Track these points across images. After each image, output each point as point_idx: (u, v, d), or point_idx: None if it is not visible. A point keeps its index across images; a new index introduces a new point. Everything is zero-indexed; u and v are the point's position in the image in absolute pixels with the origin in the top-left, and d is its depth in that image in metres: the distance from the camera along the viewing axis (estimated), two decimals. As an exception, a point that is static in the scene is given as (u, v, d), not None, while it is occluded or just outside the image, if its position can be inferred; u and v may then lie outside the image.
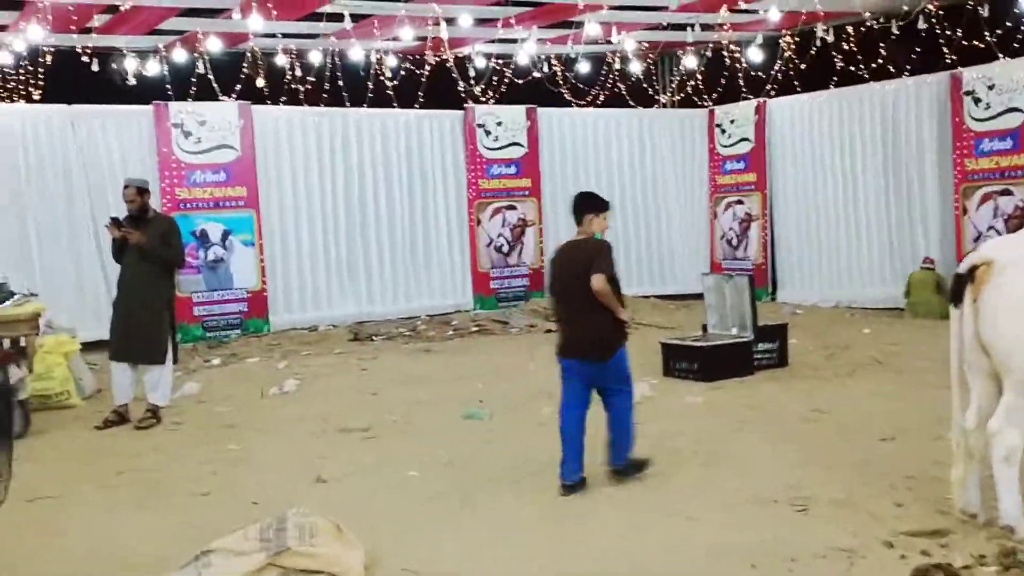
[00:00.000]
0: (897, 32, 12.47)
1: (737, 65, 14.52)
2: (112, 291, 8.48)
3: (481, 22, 12.99)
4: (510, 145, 14.72)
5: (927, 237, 13.06)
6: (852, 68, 13.30)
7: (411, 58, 14.06)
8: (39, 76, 12.35)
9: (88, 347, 9.84)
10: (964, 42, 12.18)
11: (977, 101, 12.34)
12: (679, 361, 9.22)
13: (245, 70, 13.10)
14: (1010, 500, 4.70)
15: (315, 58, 13.48)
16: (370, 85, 13.66)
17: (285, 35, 12.97)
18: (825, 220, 14.36)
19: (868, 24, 12.91)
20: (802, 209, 14.71)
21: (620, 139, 15.60)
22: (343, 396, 8.96)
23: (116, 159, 12.27)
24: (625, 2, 12.59)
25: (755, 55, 14.12)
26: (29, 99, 12.37)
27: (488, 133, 14.59)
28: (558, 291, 6.04)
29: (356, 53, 13.37)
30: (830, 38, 13.19)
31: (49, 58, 12.25)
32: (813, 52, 13.47)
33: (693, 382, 8.88)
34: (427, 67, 13.84)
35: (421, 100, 14.04)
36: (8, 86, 12.43)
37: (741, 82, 14.67)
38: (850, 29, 13.17)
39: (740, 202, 15.46)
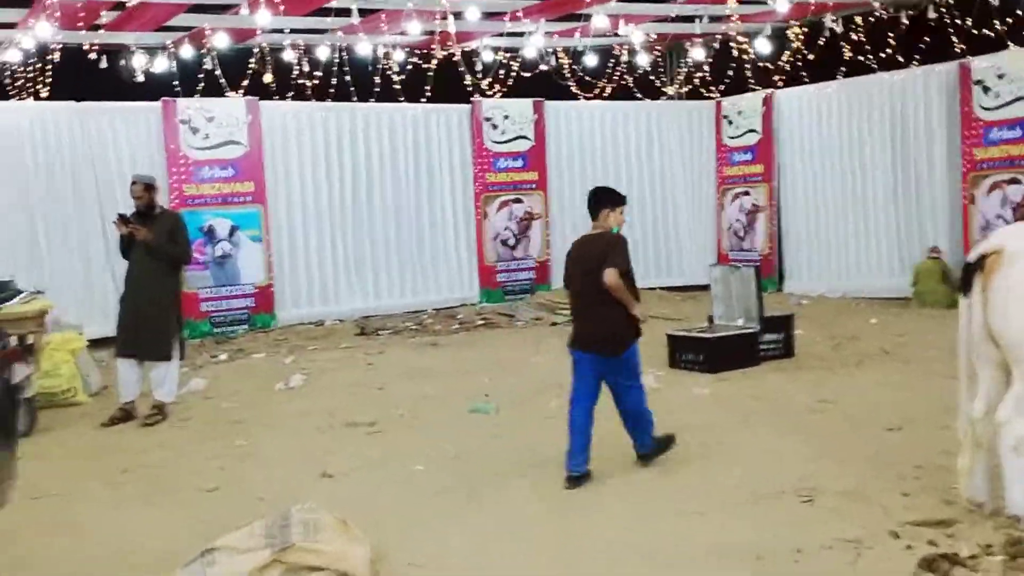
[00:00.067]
0: (906, 22, 12.39)
1: (744, 56, 14.45)
2: (119, 288, 8.48)
3: (488, 15, 12.96)
4: (517, 138, 14.70)
5: (935, 227, 12.99)
6: (861, 58, 13.23)
7: (418, 52, 14.04)
8: (47, 73, 12.36)
9: (95, 344, 9.88)
10: (974, 31, 12.10)
11: (986, 90, 12.26)
12: (685, 352, 9.20)
13: (253, 66, 13.10)
14: (1018, 490, 4.68)
15: (323, 53, 13.48)
16: (377, 80, 13.66)
17: (293, 31, 12.97)
18: (832, 210, 14.30)
19: (877, 14, 12.83)
20: (810, 200, 14.65)
21: (627, 132, 15.57)
22: (349, 391, 8.97)
23: (124, 156, 12.29)
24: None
25: (763, 46, 14.04)
26: (37, 96, 12.38)
27: (495, 127, 14.57)
28: (573, 285, 6.08)
29: (363, 48, 13.36)
30: (839, 28, 13.11)
31: (57, 55, 12.27)
32: (822, 43, 13.39)
33: (699, 373, 8.87)
34: (434, 61, 13.82)
35: (428, 95, 14.03)
36: (17, 83, 12.45)
37: (748, 73, 14.59)
38: (859, 19, 13.09)
39: (747, 193, 15.40)
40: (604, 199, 6.08)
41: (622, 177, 15.08)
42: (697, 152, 15.93)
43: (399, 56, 13.86)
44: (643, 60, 15.00)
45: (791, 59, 14.11)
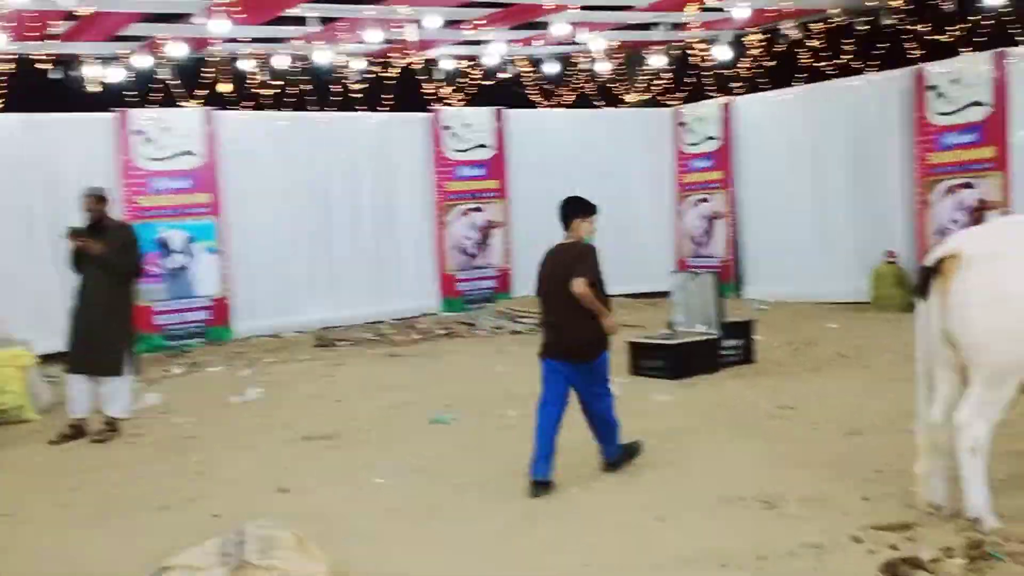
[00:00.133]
0: (862, 29, 12.54)
1: (703, 64, 14.54)
2: (69, 302, 8.29)
3: (448, 24, 12.92)
4: (477, 147, 14.65)
5: (891, 231, 13.12)
6: (818, 65, 13.37)
7: (378, 61, 13.97)
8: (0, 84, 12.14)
9: (45, 359, 9.62)
10: (927, 38, 12.27)
11: (940, 96, 12.42)
12: (647, 359, 9.19)
13: (209, 75, 12.94)
14: (977, 492, 4.69)
15: (280, 62, 13.35)
16: (336, 89, 13.56)
17: (251, 40, 12.84)
18: (791, 216, 14.37)
19: (834, 21, 12.97)
20: (768, 205, 14.72)
21: (587, 139, 15.54)
22: (307, 404, 8.84)
23: (76, 168, 11.99)
24: (593, 2, 12.55)
25: (722, 53, 14.14)
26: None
27: (455, 136, 14.51)
28: (544, 294, 6.08)
29: (322, 57, 13.25)
30: (797, 35, 13.24)
31: (10, 66, 12.03)
32: (779, 50, 13.52)
33: (661, 380, 8.85)
34: (393, 70, 13.76)
35: (388, 103, 13.95)
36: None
37: (707, 81, 14.69)
38: (816, 26, 13.23)
39: (706, 200, 15.48)
40: (576, 208, 6.09)
41: (583, 184, 14.99)
42: (657, 159, 15.96)
43: (358, 65, 13.78)
44: (603, 68, 15.04)
45: (750, 66, 14.23)
